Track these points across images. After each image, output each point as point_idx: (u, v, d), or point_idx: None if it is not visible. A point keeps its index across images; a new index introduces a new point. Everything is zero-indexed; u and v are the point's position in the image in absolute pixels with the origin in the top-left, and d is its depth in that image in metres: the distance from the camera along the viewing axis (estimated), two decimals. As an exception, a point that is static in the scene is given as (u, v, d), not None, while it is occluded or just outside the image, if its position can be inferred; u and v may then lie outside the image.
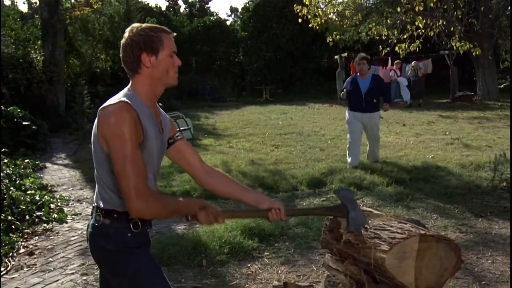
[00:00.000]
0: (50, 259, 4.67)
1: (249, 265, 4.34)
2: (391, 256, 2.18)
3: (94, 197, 2.16)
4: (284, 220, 2.27)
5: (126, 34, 2.08)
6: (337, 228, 2.57)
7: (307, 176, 7.32)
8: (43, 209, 6.03)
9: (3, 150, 8.18)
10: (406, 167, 7.74)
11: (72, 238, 5.24)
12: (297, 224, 5.32)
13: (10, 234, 5.14)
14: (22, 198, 6.16)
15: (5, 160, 8.07)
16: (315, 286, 3.62)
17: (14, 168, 7.91)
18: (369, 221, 2.46)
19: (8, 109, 10.61)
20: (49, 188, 7.38)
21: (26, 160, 8.88)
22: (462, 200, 6.05)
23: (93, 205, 2.16)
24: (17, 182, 7.10)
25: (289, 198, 6.49)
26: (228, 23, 33.17)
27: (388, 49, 13.98)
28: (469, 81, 22.56)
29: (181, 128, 11.39)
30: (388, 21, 17.17)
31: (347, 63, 20.87)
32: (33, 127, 10.71)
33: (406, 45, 13.81)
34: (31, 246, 5.01)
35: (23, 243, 5.07)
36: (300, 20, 13.51)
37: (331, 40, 15.03)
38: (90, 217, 2.18)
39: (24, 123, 10.57)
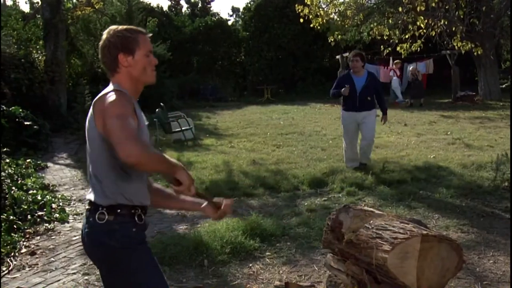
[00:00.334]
0: (52, 259, 4.67)
1: (250, 265, 4.34)
2: (393, 256, 2.18)
3: (90, 196, 2.16)
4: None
5: (104, 36, 2.19)
6: (339, 228, 2.57)
7: (309, 176, 7.31)
8: (45, 209, 6.04)
9: (5, 149, 8.19)
10: (407, 167, 7.73)
11: (74, 238, 5.24)
12: (298, 224, 5.32)
13: (12, 234, 5.15)
14: (24, 198, 6.16)
15: (7, 160, 8.08)
16: (317, 286, 3.62)
17: (16, 168, 7.92)
18: (372, 220, 2.46)
19: (10, 109, 10.62)
20: (51, 188, 7.39)
21: (28, 160, 8.89)
22: (464, 200, 6.04)
23: (87, 207, 2.17)
24: (19, 182, 7.10)
25: (291, 198, 6.49)
26: (229, 23, 33.16)
27: (389, 49, 13.94)
28: (470, 81, 22.51)
29: (183, 128, 11.40)
30: (390, 21, 17.15)
31: (348, 63, 20.83)
32: (35, 127, 10.72)
33: (408, 45, 13.79)
34: (32, 246, 5.01)
35: (25, 243, 5.08)
36: (301, 20, 13.49)
37: (332, 40, 15.01)
38: (86, 218, 2.17)
39: (26, 123, 10.58)
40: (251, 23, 26.88)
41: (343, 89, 7.36)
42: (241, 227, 4.91)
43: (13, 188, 6.52)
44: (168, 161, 2.02)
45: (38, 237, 5.29)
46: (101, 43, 2.20)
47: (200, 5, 39.89)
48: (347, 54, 21.09)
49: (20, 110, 10.80)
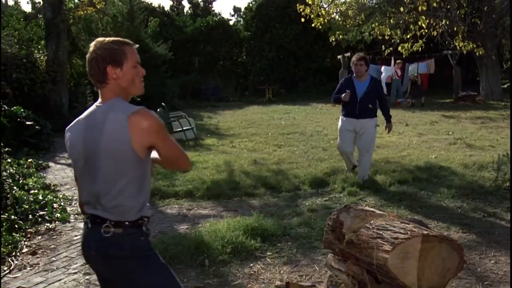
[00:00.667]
0: (53, 258, 4.67)
1: (251, 265, 4.34)
2: (394, 256, 2.18)
3: (93, 212, 2.17)
4: None
5: (91, 49, 2.20)
6: (339, 228, 2.57)
7: (310, 176, 7.32)
8: (46, 209, 6.04)
9: (6, 149, 8.20)
10: (409, 167, 7.73)
11: (75, 238, 5.24)
12: (299, 224, 5.32)
13: (13, 234, 5.15)
14: (25, 197, 6.17)
15: (9, 160, 8.08)
16: (318, 286, 3.62)
17: (17, 168, 7.93)
18: (373, 220, 2.46)
19: (12, 108, 10.63)
20: (52, 187, 7.40)
21: (29, 160, 8.89)
22: (465, 200, 6.04)
23: (89, 219, 2.19)
24: (20, 182, 7.12)
25: (292, 198, 6.49)
26: (231, 23, 33.16)
27: (391, 49, 13.94)
28: (472, 81, 22.52)
29: (184, 128, 11.40)
30: (391, 21, 17.13)
31: (350, 63, 20.83)
32: (37, 127, 10.74)
33: (409, 45, 13.78)
34: (34, 246, 5.02)
35: (26, 243, 5.08)
36: (303, 20, 13.47)
37: (334, 40, 15.01)
38: (90, 230, 2.19)
39: (27, 123, 10.60)
40: (253, 23, 26.89)
41: (343, 94, 6.86)
42: (242, 227, 4.90)
43: (15, 188, 6.53)
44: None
45: (39, 237, 5.30)
46: (88, 55, 2.21)
47: (201, 5, 39.89)
48: (348, 54, 21.12)
49: (22, 110, 10.82)
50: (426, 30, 13.14)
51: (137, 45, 2.30)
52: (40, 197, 6.41)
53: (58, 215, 5.93)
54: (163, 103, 12.37)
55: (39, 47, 16.25)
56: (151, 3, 28.79)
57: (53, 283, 4.11)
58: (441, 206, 5.88)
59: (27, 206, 5.91)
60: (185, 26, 28.51)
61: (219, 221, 5.30)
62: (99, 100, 2.24)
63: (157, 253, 2.23)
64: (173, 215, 5.99)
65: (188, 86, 24.49)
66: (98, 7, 16.97)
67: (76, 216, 6.03)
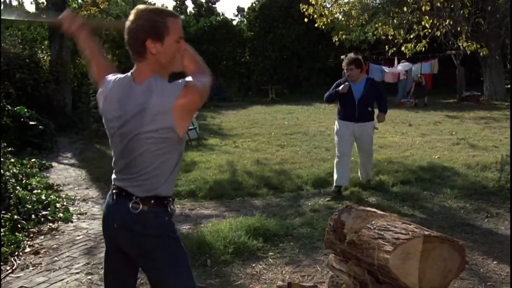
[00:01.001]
0: (56, 258, 4.68)
1: (253, 265, 4.34)
2: (395, 256, 2.18)
3: (123, 184, 2.15)
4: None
5: (131, 17, 2.06)
6: (340, 228, 2.56)
7: (313, 176, 7.31)
8: (49, 209, 6.05)
9: (9, 149, 8.21)
10: (412, 167, 7.72)
11: (78, 238, 5.25)
12: (302, 224, 5.31)
13: (16, 233, 5.16)
14: (28, 197, 6.18)
15: (12, 160, 8.09)
16: (320, 287, 3.61)
17: (20, 168, 7.94)
18: (374, 221, 2.45)
19: (15, 108, 10.66)
20: (55, 187, 7.41)
21: (33, 160, 8.91)
22: (468, 200, 6.03)
23: (116, 191, 2.16)
24: (24, 182, 7.12)
25: (294, 198, 6.48)
26: (234, 23, 33.16)
27: (394, 49, 13.91)
28: (476, 81, 22.45)
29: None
30: (395, 21, 17.10)
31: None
32: (40, 127, 10.75)
33: (412, 45, 13.74)
34: (36, 245, 5.02)
35: (28, 242, 5.09)
36: (306, 20, 13.46)
37: (337, 40, 14.97)
38: (116, 204, 2.16)
39: (30, 122, 10.61)
40: (256, 23, 26.88)
41: (341, 86, 6.56)
42: (244, 227, 4.90)
43: (18, 187, 6.53)
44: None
45: (42, 237, 5.30)
46: (127, 23, 2.07)
47: (205, 5, 39.93)
48: (351, 54, 21.10)
49: (25, 110, 10.84)
50: (430, 30, 13.10)
51: (182, 16, 2.17)
52: (43, 197, 6.41)
53: (61, 215, 5.94)
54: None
55: (43, 47, 16.28)
56: (155, 4, 28.80)
57: (55, 283, 4.12)
58: (444, 206, 5.87)
59: (30, 206, 5.92)
60: (189, 26, 28.51)
61: (221, 221, 5.31)
62: (135, 72, 2.12)
63: (179, 237, 2.21)
64: (176, 215, 5.97)
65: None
66: (101, 7, 16.98)
67: (78, 216, 6.04)
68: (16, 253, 4.76)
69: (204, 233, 4.89)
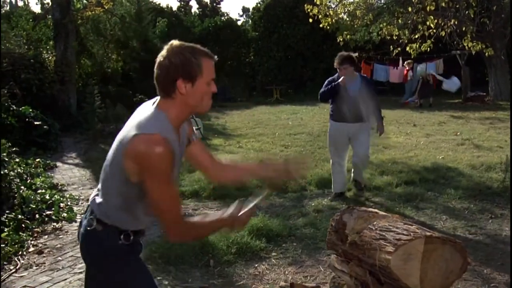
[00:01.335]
0: (59, 258, 4.70)
1: (256, 265, 4.34)
2: (396, 257, 2.17)
3: (91, 198, 2.15)
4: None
5: (164, 53, 1.95)
6: (342, 229, 2.56)
7: (316, 176, 7.30)
8: (53, 208, 6.07)
9: (14, 149, 8.24)
10: (416, 168, 7.69)
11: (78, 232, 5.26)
12: (305, 225, 5.32)
13: (20, 233, 5.18)
14: (32, 197, 6.20)
15: (17, 159, 8.13)
16: (322, 287, 3.61)
17: (25, 167, 7.97)
18: (376, 221, 2.45)
19: (20, 109, 10.71)
20: (59, 187, 7.43)
21: (37, 160, 8.95)
22: (472, 201, 6.01)
23: (89, 204, 2.15)
24: (28, 181, 7.15)
25: (298, 199, 6.48)
26: (239, 23, 33.19)
27: (399, 49, 13.88)
28: (481, 81, 22.36)
29: (191, 128, 11.41)
30: (399, 21, 17.06)
31: (357, 63, 20.76)
32: (45, 127, 10.80)
33: (417, 45, 13.71)
34: (40, 245, 5.04)
35: (32, 242, 5.11)
36: (310, 20, 13.44)
37: (341, 40, 14.95)
38: (84, 215, 2.17)
39: (35, 122, 10.66)
40: (261, 23, 26.87)
41: (340, 79, 6.13)
42: (247, 228, 4.90)
43: (22, 187, 6.57)
44: (213, 228, 2.16)
45: (46, 236, 5.33)
46: (160, 59, 1.95)
47: (209, 5, 39.97)
48: (356, 54, 21.04)
49: (30, 110, 10.88)
50: (435, 30, 13.07)
51: (217, 58, 2.05)
52: (47, 197, 6.44)
53: (65, 214, 5.96)
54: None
55: (48, 47, 16.34)
56: (159, 4, 28.87)
57: (58, 282, 4.13)
58: (448, 207, 5.86)
59: (34, 206, 5.94)
60: (193, 27, 28.56)
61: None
62: (155, 104, 2.02)
63: (138, 258, 2.15)
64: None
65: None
66: (106, 8, 17.03)
67: (82, 215, 6.05)
68: (20, 252, 4.79)
69: (207, 233, 4.88)
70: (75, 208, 6.30)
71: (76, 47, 15.72)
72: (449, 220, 5.38)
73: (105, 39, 18.41)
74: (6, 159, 6.72)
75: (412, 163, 8.10)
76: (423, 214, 5.61)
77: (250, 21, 31.40)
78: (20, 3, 27.00)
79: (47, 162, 9.15)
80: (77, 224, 5.70)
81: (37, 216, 5.77)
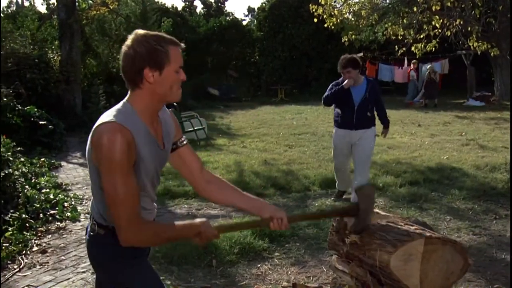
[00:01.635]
0: (62, 257, 4.71)
1: (259, 265, 4.34)
2: (396, 258, 2.17)
3: (90, 204, 2.13)
4: (286, 229, 2.19)
5: (129, 42, 1.90)
6: (343, 229, 2.56)
7: (320, 176, 7.30)
8: (57, 208, 6.09)
9: (19, 148, 8.28)
10: (420, 168, 7.67)
11: (85, 237, 5.27)
12: (308, 225, 5.30)
13: (24, 232, 5.20)
14: (36, 196, 6.23)
15: (22, 159, 8.17)
16: (324, 288, 3.61)
17: (30, 167, 8.01)
18: (377, 221, 2.44)
19: (25, 108, 10.76)
20: (64, 186, 7.45)
21: (42, 159, 8.99)
22: (477, 202, 5.99)
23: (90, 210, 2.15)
24: (33, 181, 7.19)
25: (301, 199, 6.47)
26: (244, 23, 33.21)
27: (404, 49, 13.85)
28: (487, 81, 22.28)
29: (195, 128, 11.44)
30: (405, 21, 17.02)
31: (362, 63, 20.72)
32: (50, 126, 10.84)
33: (422, 45, 13.68)
34: (44, 244, 5.06)
35: (36, 241, 5.13)
36: (315, 20, 13.44)
37: (346, 40, 14.94)
38: (88, 220, 2.17)
39: (40, 122, 10.71)
40: (266, 23, 26.88)
41: (345, 81, 5.82)
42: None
43: (27, 186, 6.60)
44: (176, 234, 2.02)
45: (50, 236, 5.34)
46: (125, 49, 1.90)
47: (214, 5, 40.01)
48: (361, 54, 21.04)
49: (35, 109, 10.94)
50: (440, 30, 13.03)
51: (183, 45, 1.99)
52: (51, 196, 6.46)
53: (69, 214, 5.98)
54: (174, 103, 12.42)
55: (53, 47, 16.40)
56: (164, 4, 28.93)
57: (61, 281, 4.15)
58: (452, 207, 5.84)
59: (38, 205, 5.97)
60: (198, 27, 28.59)
61: (228, 222, 5.31)
62: (130, 101, 1.97)
63: (144, 262, 2.14)
64: (183, 215, 6.01)
65: (201, 86, 24.54)
66: (111, 8, 17.08)
67: (86, 215, 6.08)
68: (24, 252, 4.81)
69: (210, 233, 4.88)
70: (79, 208, 6.32)
71: (82, 47, 15.76)
72: (453, 221, 5.36)
73: (110, 39, 18.43)
74: (11, 159, 6.74)
75: (417, 163, 8.08)
76: (427, 214, 5.59)
77: (255, 21, 31.41)
78: (26, 3, 27.13)
79: (52, 161, 9.18)
80: (81, 223, 5.76)
81: (41, 215, 5.79)
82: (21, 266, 4.47)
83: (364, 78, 6.01)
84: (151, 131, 1.98)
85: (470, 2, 14.74)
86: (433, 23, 12.58)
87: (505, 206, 5.82)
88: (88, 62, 17.95)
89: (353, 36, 15.67)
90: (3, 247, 4.73)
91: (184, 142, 2.25)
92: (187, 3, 39.46)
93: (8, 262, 4.56)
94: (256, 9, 32.66)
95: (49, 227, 5.58)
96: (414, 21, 15.48)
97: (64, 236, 5.35)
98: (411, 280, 2.17)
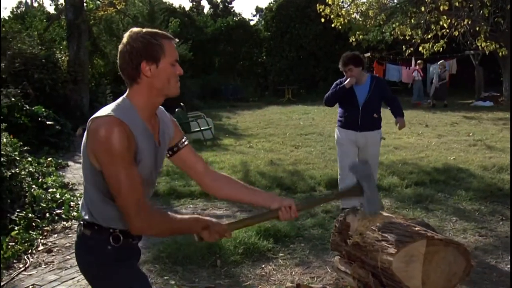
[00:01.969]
0: (68, 256, 4.73)
1: (263, 266, 4.33)
2: (398, 259, 2.16)
3: (80, 206, 2.11)
4: (295, 217, 2.17)
5: (125, 40, 1.96)
6: (346, 230, 2.55)
7: (326, 177, 7.28)
8: (63, 207, 6.12)
9: (25, 148, 8.33)
10: (426, 169, 7.64)
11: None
12: (313, 225, 5.29)
13: (30, 231, 5.23)
14: (43, 196, 6.27)
15: (29, 159, 8.22)
16: (328, 288, 3.60)
17: (37, 166, 8.06)
18: (379, 223, 2.43)
19: (33, 108, 10.82)
20: (70, 186, 7.49)
21: (49, 159, 9.04)
22: (483, 203, 5.94)
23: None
24: (40, 180, 7.23)
25: (307, 199, 6.45)
26: (252, 23, 33.24)
27: (411, 49, 13.80)
28: (495, 82, 22.13)
29: (202, 128, 11.46)
30: (412, 21, 16.95)
31: (370, 63, 20.67)
32: (57, 126, 10.91)
33: (430, 45, 13.61)
34: (49, 244, 5.08)
35: (42, 240, 5.15)
36: (323, 20, 13.42)
37: (354, 40, 14.90)
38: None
39: (48, 122, 10.77)
40: (273, 23, 26.89)
41: (346, 81, 5.41)
42: (255, 228, 4.89)
43: (33, 186, 6.64)
44: (185, 225, 1.99)
45: (56, 235, 5.37)
46: (121, 47, 1.96)
47: (221, 5, 40.05)
48: (368, 54, 20.99)
49: (43, 109, 11.00)
50: (448, 30, 12.97)
51: (177, 40, 2.06)
52: (58, 196, 6.50)
53: (75, 213, 6.00)
54: (181, 103, 12.44)
55: (61, 47, 16.48)
56: (172, 4, 29.00)
57: (66, 281, 4.16)
58: (458, 208, 5.80)
59: (44, 205, 6.00)
60: (206, 27, 28.64)
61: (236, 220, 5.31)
62: (129, 98, 2.00)
63: (132, 265, 2.09)
64: (188, 214, 6.01)
65: (208, 86, 24.59)
66: (118, 8, 17.14)
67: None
68: (30, 251, 4.83)
69: (215, 233, 4.88)
70: (85, 207, 6.33)
71: (89, 47, 15.84)
72: (459, 222, 5.33)
73: (118, 39, 18.47)
74: (18, 158, 6.78)
75: (423, 164, 8.04)
76: (433, 215, 5.56)
77: (263, 21, 31.43)
78: (35, 4, 27.29)
79: (59, 161, 9.23)
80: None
81: (47, 214, 5.82)
82: (26, 265, 4.49)
83: (368, 76, 5.58)
84: (149, 127, 2.01)
85: (479, 2, 14.65)
86: (441, 23, 12.52)
87: (512, 207, 5.77)
88: (95, 62, 18.03)
89: (360, 36, 15.62)
90: (9, 246, 4.76)
91: (185, 143, 2.25)
92: (194, 3, 39.52)
93: (14, 261, 4.59)
94: (264, 9, 32.67)
95: (55, 227, 5.61)
96: (422, 21, 15.41)
97: (69, 235, 5.37)
98: (413, 281, 2.16)
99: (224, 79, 25.97)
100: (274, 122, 14.99)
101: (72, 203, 6.37)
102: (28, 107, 10.69)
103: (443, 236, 2.48)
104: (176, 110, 11.83)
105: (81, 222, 2.04)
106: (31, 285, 4.10)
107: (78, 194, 6.95)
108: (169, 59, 1.95)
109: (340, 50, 25.84)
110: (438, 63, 18.58)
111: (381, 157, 7.91)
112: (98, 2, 18.45)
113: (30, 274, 4.32)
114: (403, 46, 14.11)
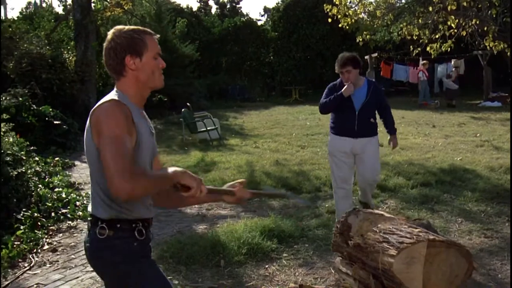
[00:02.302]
0: (72, 256, 4.75)
1: (266, 266, 4.33)
2: (399, 261, 2.14)
3: (90, 208, 2.09)
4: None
5: (109, 37, 2.08)
6: (347, 231, 2.54)
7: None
8: (69, 207, 6.15)
9: (32, 148, 8.37)
10: (432, 170, 7.60)
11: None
12: (318, 226, 5.28)
13: (36, 231, 5.26)
14: (49, 195, 6.31)
15: (36, 158, 8.27)
16: (331, 289, 3.58)
17: (44, 166, 8.10)
18: (380, 224, 2.42)
19: (40, 108, 10.88)
20: (76, 186, 7.53)
21: (56, 158, 9.09)
22: (489, 204, 5.90)
23: (89, 218, 2.10)
24: (46, 180, 7.26)
25: (312, 199, 6.44)
26: (261, 23, 33.24)
27: (419, 49, 13.72)
28: (503, 82, 22.00)
29: (208, 128, 11.47)
30: (420, 21, 16.86)
31: (377, 63, 20.60)
32: (64, 126, 10.97)
33: (438, 45, 13.53)
34: (55, 243, 5.11)
35: (47, 240, 5.18)
36: (330, 20, 13.35)
37: (361, 40, 14.84)
38: (88, 230, 2.10)
39: (55, 122, 10.83)
40: (280, 23, 26.88)
41: (344, 87, 4.97)
42: (259, 228, 4.90)
43: (40, 185, 6.67)
44: (165, 176, 1.93)
45: (61, 234, 5.39)
46: (106, 44, 2.07)
47: (228, 5, 40.08)
48: (375, 54, 20.92)
49: (50, 109, 11.06)
50: (456, 30, 12.88)
51: (158, 36, 2.16)
52: (64, 195, 6.54)
53: (80, 213, 6.03)
54: (188, 103, 12.47)
55: (69, 47, 16.55)
56: (179, 4, 29.04)
57: (70, 280, 4.18)
58: (464, 209, 5.76)
59: (50, 204, 6.04)
60: (213, 27, 28.67)
61: (237, 222, 5.32)
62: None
63: (153, 262, 2.14)
64: (193, 215, 6.03)
65: (215, 86, 24.61)
66: (125, 8, 17.18)
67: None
68: (35, 250, 4.86)
69: (219, 234, 4.90)
70: (90, 207, 6.36)
71: (96, 47, 15.86)
72: (465, 223, 5.30)
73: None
74: (24, 158, 6.82)
75: (429, 164, 8.00)
76: (439, 216, 5.53)
77: (270, 21, 31.41)
78: (44, 4, 27.43)
79: (66, 160, 9.28)
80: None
81: (52, 214, 5.86)
82: (31, 264, 4.52)
83: (365, 80, 5.18)
84: (147, 122, 2.12)
85: (487, 2, 14.53)
86: (449, 23, 12.40)
87: (519, 208, 5.73)
88: (102, 62, 18.06)
89: (368, 36, 15.52)
90: (15, 245, 4.79)
91: (156, 153, 2.28)
92: (202, 3, 39.57)
93: (19, 260, 4.62)
94: (271, 9, 32.64)
95: (60, 226, 5.64)
96: (430, 21, 15.32)
97: (75, 235, 5.40)
98: (413, 283, 2.14)
99: (231, 79, 25.98)
100: (280, 122, 14.98)
101: (77, 203, 6.40)
102: (35, 107, 10.76)
103: (445, 237, 2.46)
104: (183, 110, 11.86)
105: (100, 224, 2.02)
106: (36, 284, 4.12)
107: (84, 194, 6.98)
108: (152, 53, 2.07)
109: (347, 50, 25.72)
110: (452, 61, 18.48)
111: (387, 157, 7.92)
112: (106, 2, 18.49)
113: (35, 273, 4.34)
114: (411, 46, 14.03)
